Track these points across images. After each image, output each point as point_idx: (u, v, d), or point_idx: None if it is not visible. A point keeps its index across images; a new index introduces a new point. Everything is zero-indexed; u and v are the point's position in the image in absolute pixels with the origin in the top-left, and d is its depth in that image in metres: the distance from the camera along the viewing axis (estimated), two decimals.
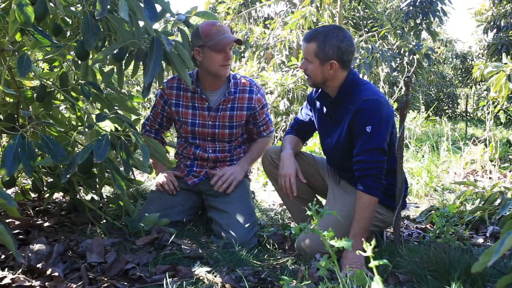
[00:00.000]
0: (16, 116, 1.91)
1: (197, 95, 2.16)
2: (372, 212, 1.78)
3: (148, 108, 5.94)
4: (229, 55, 2.07)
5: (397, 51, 7.04)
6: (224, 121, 2.17)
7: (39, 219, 2.01)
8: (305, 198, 2.19)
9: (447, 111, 15.21)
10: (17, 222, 1.86)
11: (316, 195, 2.29)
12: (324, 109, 2.02)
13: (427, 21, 7.20)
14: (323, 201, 2.41)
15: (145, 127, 2.34)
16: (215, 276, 1.53)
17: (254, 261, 1.76)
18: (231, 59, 2.10)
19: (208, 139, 2.21)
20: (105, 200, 2.26)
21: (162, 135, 2.37)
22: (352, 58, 1.91)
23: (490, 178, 3.84)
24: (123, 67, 1.88)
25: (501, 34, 9.93)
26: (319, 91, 2.02)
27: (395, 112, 2.61)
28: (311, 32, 1.89)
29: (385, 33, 7.04)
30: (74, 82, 1.96)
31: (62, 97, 2.00)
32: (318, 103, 2.06)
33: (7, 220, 1.86)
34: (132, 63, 1.85)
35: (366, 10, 8.17)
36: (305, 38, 1.89)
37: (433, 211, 2.57)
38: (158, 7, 1.66)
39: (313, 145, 3.99)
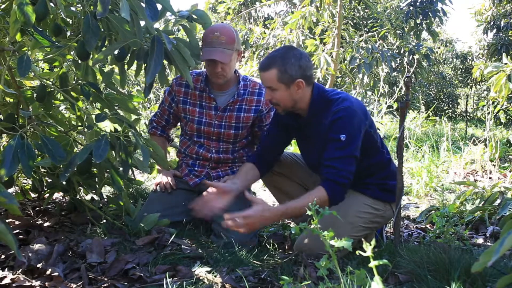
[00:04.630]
0: (16, 116, 1.91)
1: (205, 94, 2.17)
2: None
3: (148, 108, 5.94)
4: (216, 69, 2.02)
5: (397, 51, 7.05)
6: (231, 122, 2.18)
7: (39, 219, 2.01)
8: None
9: (447, 111, 15.22)
10: (17, 222, 1.86)
11: None
12: (297, 128, 1.98)
13: (427, 21, 7.21)
14: None
15: (152, 123, 2.35)
16: (215, 276, 1.53)
17: (254, 261, 1.76)
18: (221, 72, 2.04)
19: (213, 138, 2.21)
20: (105, 200, 2.26)
21: (168, 132, 2.38)
22: (312, 73, 1.86)
23: (490, 178, 3.83)
24: (126, 67, 1.88)
25: (501, 34, 9.94)
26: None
27: (394, 112, 2.60)
28: (265, 60, 1.81)
29: (385, 33, 7.04)
30: (74, 82, 1.96)
31: (62, 97, 2.00)
32: (290, 122, 1.99)
33: (7, 220, 1.86)
34: (135, 63, 1.84)
35: (366, 10, 8.17)
36: (262, 68, 1.80)
37: (433, 211, 2.57)
38: (159, 6, 1.65)
39: None
